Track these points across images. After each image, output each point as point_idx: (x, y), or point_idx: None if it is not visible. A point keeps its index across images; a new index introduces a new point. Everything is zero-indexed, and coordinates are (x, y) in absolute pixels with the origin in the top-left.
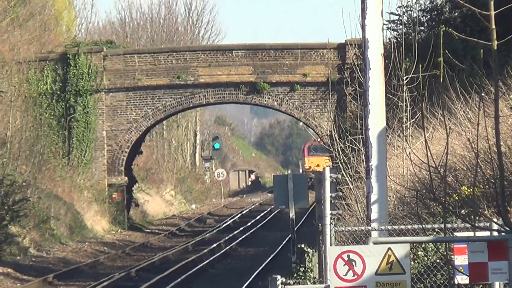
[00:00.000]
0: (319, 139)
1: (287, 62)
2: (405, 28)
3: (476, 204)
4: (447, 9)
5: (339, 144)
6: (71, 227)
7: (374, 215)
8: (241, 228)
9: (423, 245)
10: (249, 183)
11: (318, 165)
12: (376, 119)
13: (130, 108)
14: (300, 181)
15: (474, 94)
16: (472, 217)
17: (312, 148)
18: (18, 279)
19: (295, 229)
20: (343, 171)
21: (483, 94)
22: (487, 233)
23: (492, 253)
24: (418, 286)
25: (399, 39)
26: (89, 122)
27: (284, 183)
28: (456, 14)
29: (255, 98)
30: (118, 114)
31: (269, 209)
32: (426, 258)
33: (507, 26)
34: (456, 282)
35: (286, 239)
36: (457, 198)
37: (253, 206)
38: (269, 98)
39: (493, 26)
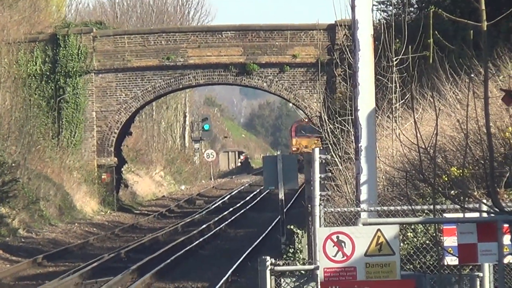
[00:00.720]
0: (307, 119)
1: (276, 43)
2: (395, 9)
3: (465, 185)
4: None
5: (329, 125)
6: (61, 208)
7: (363, 196)
8: (231, 209)
9: (412, 226)
10: (239, 164)
11: (306, 147)
12: (366, 100)
13: (119, 89)
14: (290, 162)
15: (463, 75)
16: (462, 198)
17: (300, 129)
18: (7, 260)
19: (285, 210)
20: (332, 152)
21: (472, 75)
22: (476, 214)
23: (482, 234)
24: (408, 267)
25: (389, 20)
26: (79, 103)
27: (274, 164)
28: None
29: (244, 79)
30: (108, 95)
31: (258, 190)
32: (415, 239)
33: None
34: (445, 263)
35: (276, 220)
36: (446, 179)
37: (242, 187)
38: (258, 79)
39: (483, 7)
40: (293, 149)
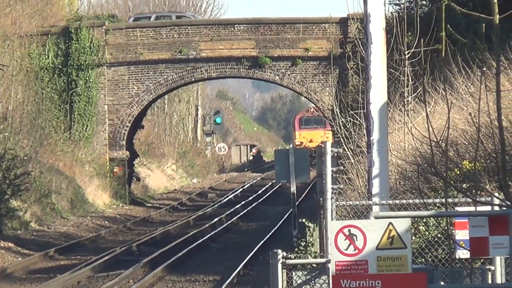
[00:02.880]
0: (312, 109)
1: (289, 36)
2: (407, 2)
3: (477, 179)
4: None
5: (341, 119)
6: (72, 201)
7: (375, 189)
8: (243, 203)
9: (424, 220)
10: (251, 157)
11: (311, 141)
12: (378, 94)
13: (131, 82)
14: (302, 156)
15: (476, 68)
16: (473, 191)
17: (304, 120)
18: (19, 253)
19: (296, 203)
20: (344, 146)
21: (484, 69)
22: (488, 208)
23: (493, 228)
24: (419, 260)
25: (401, 13)
26: (91, 96)
27: (286, 157)
28: None
29: (256, 73)
30: (120, 88)
31: (270, 184)
32: (427, 233)
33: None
34: (457, 257)
35: (287, 214)
36: (458, 172)
37: (254, 181)
38: (270, 73)
39: (495, 0)
40: (297, 143)
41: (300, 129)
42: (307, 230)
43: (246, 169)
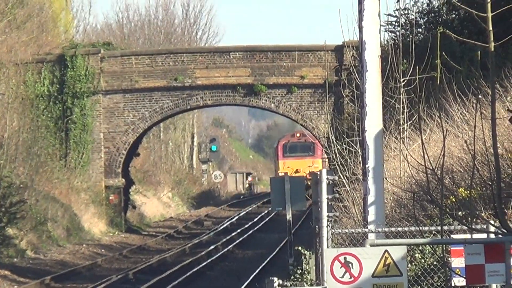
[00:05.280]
0: (299, 134)
1: (284, 64)
2: (403, 30)
3: (473, 206)
4: (444, 11)
5: (336, 146)
6: (68, 229)
7: (371, 217)
8: (239, 230)
9: (420, 247)
10: (247, 185)
11: (297, 171)
12: (373, 121)
13: (127, 110)
14: (297, 183)
15: (471, 96)
16: (469, 219)
17: (288, 147)
18: (15, 281)
19: (292, 231)
20: (340, 173)
21: (480, 96)
22: (484, 235)
23: (489, 255)
24: None
25: (396, 41)
26: (86, 124)
27: (281, 185)
28: (454, 16)
29: (252, 100)
30: (115, 116)
31: (266, 211)
32: (423, 260)
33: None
34: (453, 284)
35: (283, 242)
36: (454, 200)
37: (250, 209)
38: (266, 100)
39: (490, 28)
40: (280, 174)
41: (284, 158)
42: (303, 257)
43: (242, 197)
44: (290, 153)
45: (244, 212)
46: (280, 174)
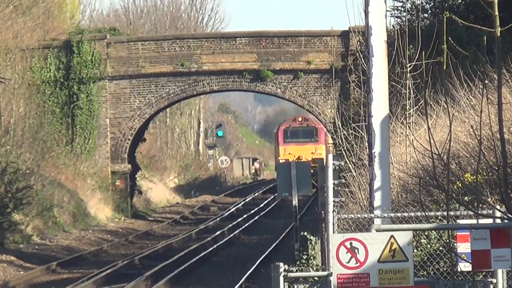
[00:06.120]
0: (301, 118)
1: (290, 49)
2: (409, 15)
3: (479, 192)
4: None
5: (343, 132)
6: (74, 214)
7: (377, 202)
8: (245, 216)
9: (426, 233)
10: (253, 170)
11: (299, 158)
12: (379, 106)
13: (133, 96)
14: (303, 169)
15: (477, 81)
16: (475, 204)
17: (290, 132)
18: (21, 266)
19: (298, 216)
20: (346, 158)
21: (486, 81)
22: (490, 221)
23: (495, 241)
24: (421, 273)
25: (402, 26)
26: (93, 109)
27: (288, 170)
28: (460, 1)
29: (258, 86)
30: (122, 101)
31: (272, 197)
32: (429, 246)
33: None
34: (459, 270)
35: (289, 227)
36: (460, 185)
37: (256, 194)
38: (272, 86)
39: (496, 13)
40: (281, 161)
41: (285, 143)
42: (309, 243)
43: (249, 182)
44: (292, 138)
45: (250, 198)
46: (281, 161)
